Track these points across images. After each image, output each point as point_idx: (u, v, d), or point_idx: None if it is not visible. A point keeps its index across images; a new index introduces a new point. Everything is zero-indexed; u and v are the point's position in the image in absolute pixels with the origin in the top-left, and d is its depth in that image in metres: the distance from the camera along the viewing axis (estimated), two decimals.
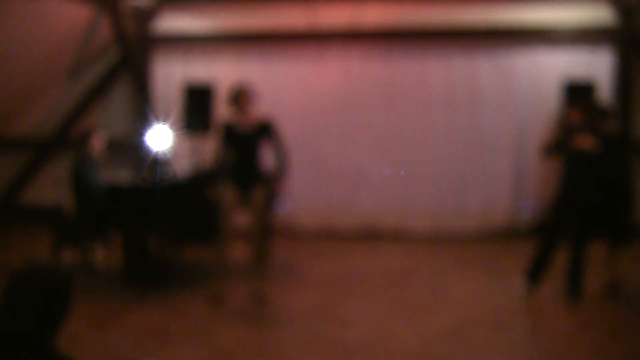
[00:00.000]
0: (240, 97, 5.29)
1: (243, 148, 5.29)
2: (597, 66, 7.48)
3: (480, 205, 7.84)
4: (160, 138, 6.19)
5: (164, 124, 6.34)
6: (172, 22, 8.21)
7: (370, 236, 7.95)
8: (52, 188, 8.09)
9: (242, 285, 5.59)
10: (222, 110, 7.21)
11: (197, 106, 7.29)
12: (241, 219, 5.46)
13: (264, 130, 5.32)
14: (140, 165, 6.85)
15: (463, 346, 4.39)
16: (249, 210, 5.30)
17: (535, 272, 5.35)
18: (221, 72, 7.93)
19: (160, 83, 8.29)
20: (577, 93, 6.81)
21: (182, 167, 6.90)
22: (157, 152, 6.16)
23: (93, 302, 5.34)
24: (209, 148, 7.34)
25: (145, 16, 8.03)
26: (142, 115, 7.65)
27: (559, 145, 5.28)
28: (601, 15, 7.45)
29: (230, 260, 5.62)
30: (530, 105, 7.68)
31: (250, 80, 7.74)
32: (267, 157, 5.43)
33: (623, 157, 5.48)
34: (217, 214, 5.47)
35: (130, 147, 7.71)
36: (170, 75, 8.24)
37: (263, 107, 7.37)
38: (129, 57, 8.09)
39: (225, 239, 5.33)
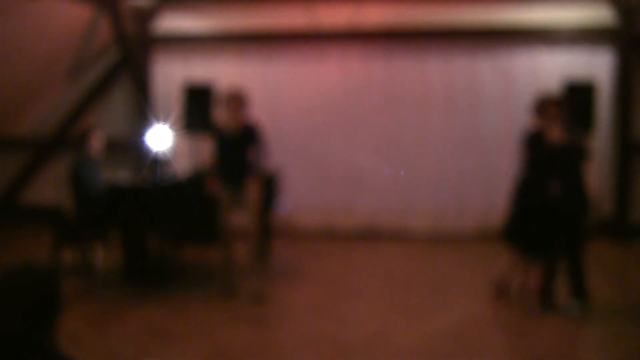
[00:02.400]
0: (228, 101, 5.52)
1: (230, 150, 5.52)
2: (597, 66, 7.49)
3: (480, 205, 7.84)
4: (160, 138, 6.20)
5: (163, 124, 6.34)
6: (172, 22, 8.21)
7: (370, 236, 7.95)
8: (52, 188, 8.12)
9: (242, 284, 5.60)
10: (219, 111, 7.25)
11: (197, 106, 7.29)
12: (239, 219, 5.53)
13: (249, 135, 5.51)
14: (140, 165, 6.85)
15: (462, 346, 4.39)
16: (245, 208, 5.48)
17: (577, 290, 5.08)
18: (221, 72, 7.94)
19: (160, 83, 8.29)
20: (577, 93, 6.81)
21: (182, 167, 6.90)
22: (157, 152, 6.16)
23: (93, 302, 5.36)
24: (207, 148, 7.36)
25: (145, 16, 8.04)
26: (142, 115, 7.65)
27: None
28: (601, 15, 7.45)
29: (236, 258, 5.67)
30: (530, 105, 7.66)
31: (250, 80, 7.82)
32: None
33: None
34: (217, 214, 5.53)
35: (130, 147, 7.72)
36: (170, 75, 8.24)
37: (263, 107, 7.42)
38: (129, 57, 8.09)
39: (227, 237, 5.53)
